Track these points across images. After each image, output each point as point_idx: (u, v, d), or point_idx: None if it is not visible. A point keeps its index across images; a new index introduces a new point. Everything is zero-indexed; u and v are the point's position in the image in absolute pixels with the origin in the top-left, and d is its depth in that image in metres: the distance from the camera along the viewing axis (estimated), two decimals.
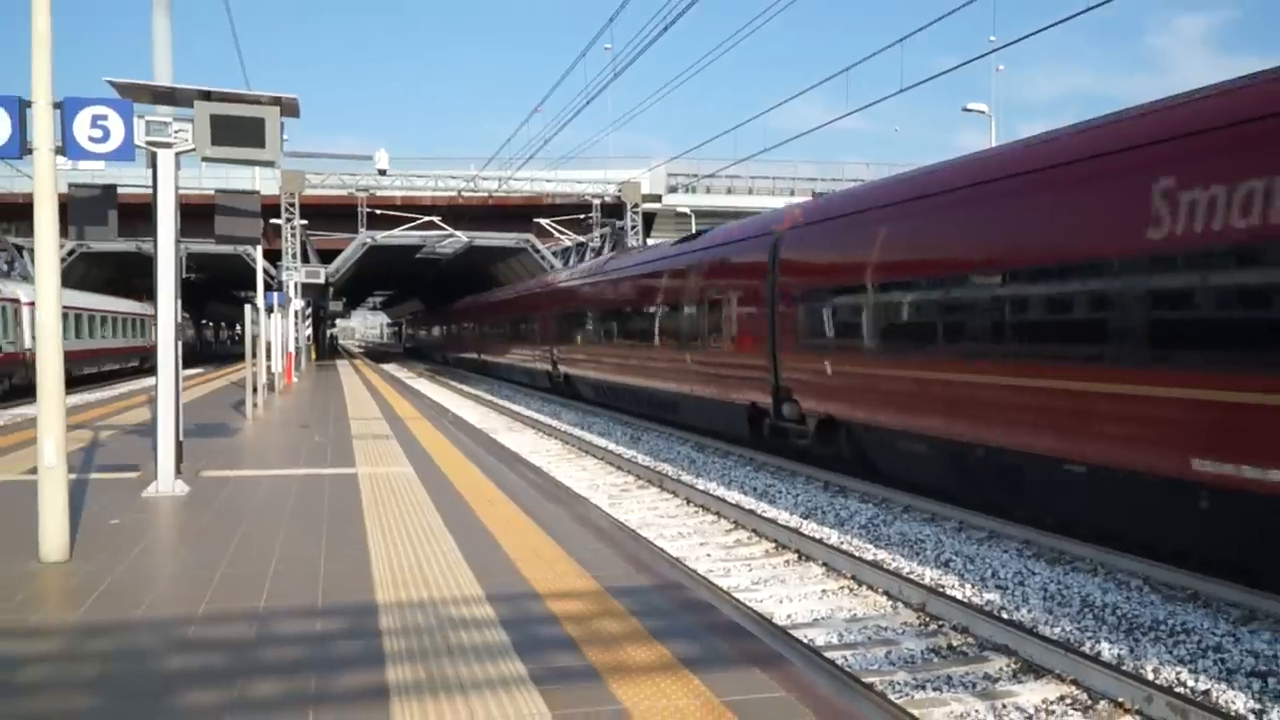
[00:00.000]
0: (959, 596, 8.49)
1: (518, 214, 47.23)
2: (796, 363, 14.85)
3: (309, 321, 47.64)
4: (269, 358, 25.01)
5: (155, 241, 9.56)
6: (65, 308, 34.89)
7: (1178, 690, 6.35)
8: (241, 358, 26.13)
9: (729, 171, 43.02)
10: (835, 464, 14.58)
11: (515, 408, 28.80)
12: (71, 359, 35.92)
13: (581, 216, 45.71)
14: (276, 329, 28.46)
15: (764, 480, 14.63)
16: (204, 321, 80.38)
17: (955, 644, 7.45)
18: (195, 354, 63.97)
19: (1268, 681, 6.56)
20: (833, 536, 11.01)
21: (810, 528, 11.45)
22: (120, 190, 9.75)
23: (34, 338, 28.22)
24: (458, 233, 44.43)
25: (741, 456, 16.86)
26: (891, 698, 6.18)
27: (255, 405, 19.47)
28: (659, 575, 6.82)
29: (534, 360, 34.04)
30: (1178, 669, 6.82)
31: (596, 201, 45.03)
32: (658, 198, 49.19)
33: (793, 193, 50.18)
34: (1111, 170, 9.07)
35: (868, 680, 6.41)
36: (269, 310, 26.90)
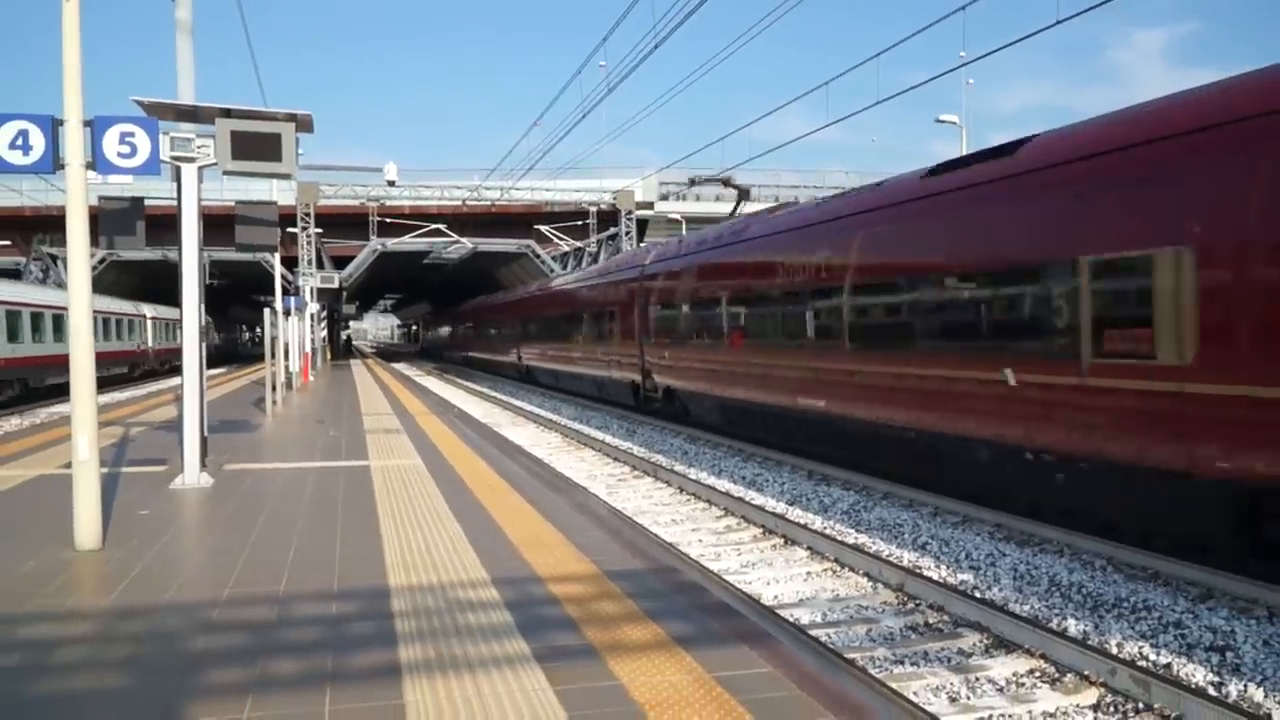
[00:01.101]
0: (935, 577, 8.51)
1: (519, 221, 47.19)
2: None
3: (324, 324, 47.57)
4: (287, 358, 24.98)
5: (180, 250, 9.56)
6: (167, 319, 38.81)
7: (1140, 664, 6.38)
8: (259, 358, 26.14)
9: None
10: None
11: (518, 403, 28.78)
12: (168, 354, 44.84)
13: (579, 223, 45.70)
14: (294, 331, 28.42)
15: (752, 470, 14.64)
16: (240, 327, 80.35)
17: (931, 621, 7.47)
18: (226, 354, 65.10)
19: (1225, 655, 6.58)
20: (817, 522, 11.02)
21: (795, 514, 11.47)
22: (147, 202, 9.74)
23: (152, 339, 36.85)
24: (463, 239, 44.41)
25: (731, 448, 16.87)
26: (872, 672, 6.21)
27: (274, 403, 19.46)
28: (653, 559, 6.83)
29: (611, 367, 24.03)
30: (1140, 644, 6.85)
31: (593, 209, 45.01)
32: (650, 205, 49.15)
33: (777, 199, 50.15)
34: None
35: (849, 656, 6.44)
36: (287, 313, 26.86)
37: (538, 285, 37.21)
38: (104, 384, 30.87)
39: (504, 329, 41.60)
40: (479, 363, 50.11)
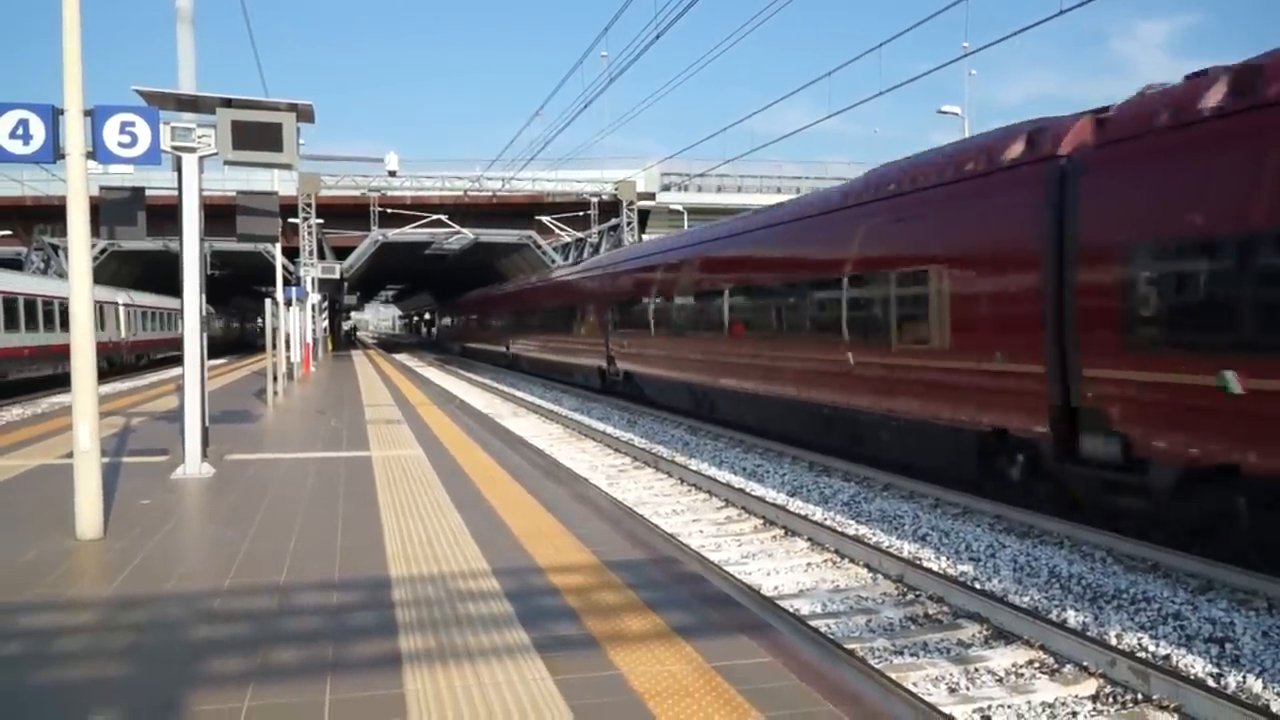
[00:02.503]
0: (935, 568, 8.52)
1: (520, 212, 47.15)
2: None
3: (325, 314, 47.58)
4: (288, 348, 24.97)
5: (181, 240, 9.56)
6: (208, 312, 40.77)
7: (1139, 655, 6.39)
8: (261, 348, 26.19)
9: (719, 171, 42.85)
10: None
11: (519, 394, 28.77)
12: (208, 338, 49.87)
13: (580, 214, 45.65)
14: (295, 322, 28.43)
15: (753, 461, 14.64)
16: (250, 321, 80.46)
17: (931, 612, 7.49)
18: (243, 343, 65.68)
19: (1224, 647, 6.59)
20: (817, 513, 11.03)
21: (796, 505, 11.48)
22: (148, 192, 9.74)
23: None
24: (464, 230, 44.41)
25: (732, 439, 16.87)
26: (871, 662, 6.22)
27: (276, 393, 19.47)
28: (654, 550, 6.84)
29: (911, 392, 11.61)
30: (1139, 635, 6.86)
31: (594, 200, 44.97)
32: (652, 196, 49.06)
33: (779, 190, 50.08)
34: None
35: (849, 646, 6.45)
36: (288, 304, 26.85)
37: (648, 245, 25.90)
38: (168, 362, 44.03)
39: (585, 317, 28.12)
40: (528, 362, 37.69)
